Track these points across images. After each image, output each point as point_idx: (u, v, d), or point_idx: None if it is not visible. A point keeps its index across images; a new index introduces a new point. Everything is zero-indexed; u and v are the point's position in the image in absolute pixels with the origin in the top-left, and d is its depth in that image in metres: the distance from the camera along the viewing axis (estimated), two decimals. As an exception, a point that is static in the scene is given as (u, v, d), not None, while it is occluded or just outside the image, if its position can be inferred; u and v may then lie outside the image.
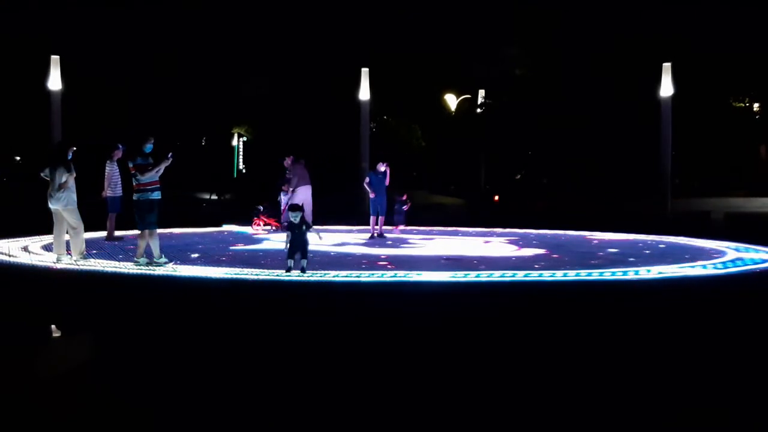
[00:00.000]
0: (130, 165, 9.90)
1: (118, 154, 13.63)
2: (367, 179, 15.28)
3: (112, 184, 13.80)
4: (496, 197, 35.40)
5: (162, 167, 9.95)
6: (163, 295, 8.36)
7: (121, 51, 34.86)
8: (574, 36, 35.33)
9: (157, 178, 9.98)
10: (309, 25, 37.72)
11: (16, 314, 7.08)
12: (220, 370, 5.15)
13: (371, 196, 15.21)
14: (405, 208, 17.84)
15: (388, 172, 15.23)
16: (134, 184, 9.94)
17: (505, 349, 5.88)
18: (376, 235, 15.30)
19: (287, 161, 16.40)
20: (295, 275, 9.31)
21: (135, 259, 10.16)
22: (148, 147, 10.00)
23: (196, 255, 11.67)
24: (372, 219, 15.31)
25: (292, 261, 9.50)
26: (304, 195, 16.02)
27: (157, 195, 9.98)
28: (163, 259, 10.09)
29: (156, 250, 10.09)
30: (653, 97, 23.41)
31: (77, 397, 4.54)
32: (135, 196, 9.96)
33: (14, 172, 36.91)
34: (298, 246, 9.50)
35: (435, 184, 42.62)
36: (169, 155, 10.01)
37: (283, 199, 16.41)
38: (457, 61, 40.05)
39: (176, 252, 11.81)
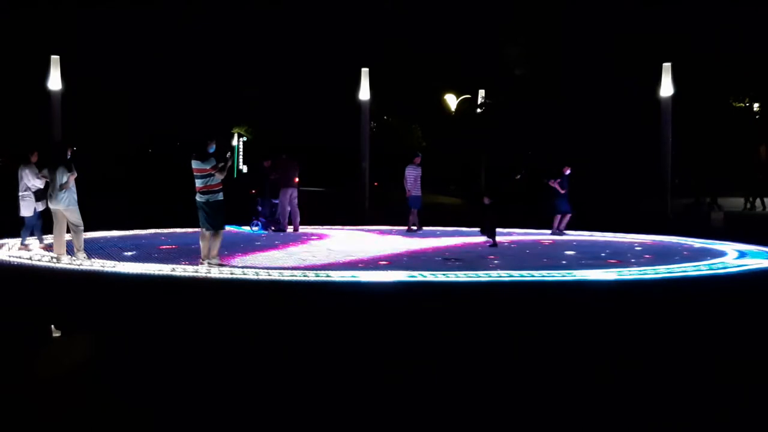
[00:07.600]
0: (208, 167, 9.76)
1: (418, 159, 16.11)
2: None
3: (416, 185, 16.02)
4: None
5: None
6: (163, 295, 8.36)
7: (122, 52, 34.82)
8: (574, 36, 35.29)
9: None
10: (309, 25, 37.72)
11: (16, 314, 7.08)
12: (220, 370, 5.16)
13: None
14: None
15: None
16: (202, 185, 9.82)
17: (506, 349, 5.88)
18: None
19: (266, 164, 16.45)
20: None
21: (201, 260, 10.01)
22: (212, 148, 9.95)
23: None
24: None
25: None
26: (280, 197, 16.10)
27: (222, 195, 9.98)
28: (216, 260, 10.04)
29: (215, 250, 10.04)
30: (653, 97, 23.38)
31: (77, 397, 4.55)
32: (204, 198, 9.84)
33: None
34: None
35: (435, 184, 42.53)
36: (228, 155, 10.03)
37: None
38: (457, 61, 39.99)
39: (175, 252, 11.83)
